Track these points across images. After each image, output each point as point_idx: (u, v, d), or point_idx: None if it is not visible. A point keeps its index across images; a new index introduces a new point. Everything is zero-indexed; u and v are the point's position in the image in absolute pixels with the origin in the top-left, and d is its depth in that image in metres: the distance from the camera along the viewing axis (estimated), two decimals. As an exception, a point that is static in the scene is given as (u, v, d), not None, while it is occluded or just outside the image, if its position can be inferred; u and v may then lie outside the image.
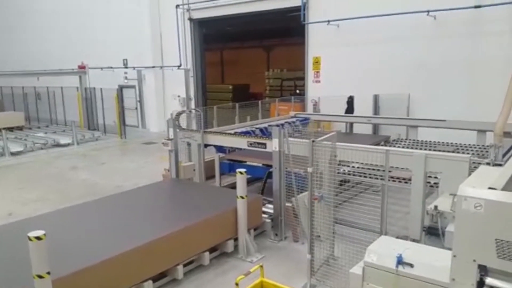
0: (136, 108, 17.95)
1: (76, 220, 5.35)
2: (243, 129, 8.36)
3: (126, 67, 17.58)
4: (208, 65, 18.92)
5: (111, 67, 17.66)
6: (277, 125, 8.18)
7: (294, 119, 9.78)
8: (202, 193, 6.44)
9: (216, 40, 22.27)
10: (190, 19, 15.63)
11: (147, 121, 17.80)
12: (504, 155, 4.89)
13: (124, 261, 4.20)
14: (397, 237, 4.81)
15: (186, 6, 15.44)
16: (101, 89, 16.52)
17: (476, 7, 9.10)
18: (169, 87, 16.88)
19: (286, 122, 9.35)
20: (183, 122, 7.69)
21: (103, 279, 3.99)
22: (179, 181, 7.11)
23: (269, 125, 8.56)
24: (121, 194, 6.70)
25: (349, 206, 5.54)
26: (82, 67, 16.95)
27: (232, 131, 7.80)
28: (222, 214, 5.43)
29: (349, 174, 6.12)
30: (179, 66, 15.82)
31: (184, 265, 4.93)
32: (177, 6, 15.35)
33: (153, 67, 16.78)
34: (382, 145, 7.66)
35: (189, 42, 15.85)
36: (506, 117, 5.31)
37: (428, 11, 9.66)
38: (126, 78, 17.71)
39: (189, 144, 7.45)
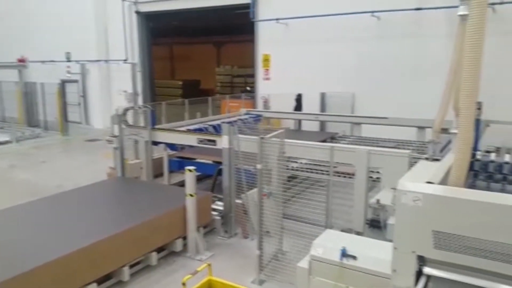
0: (79, 104, 17.17)
1: (15, 222, 5.02)
2: (196, 126, 8.23)
3: (69, 61, 16.76)
4: (157, 60, 18.48)
5: (53, 61, 16.77)
6: (230, 122, 8.15)
7: (246, 116, 9.78)
8: (150, 192, 6.28)
9: (165, 34, 21.78)
10: (137, 12, 15.18)
11: (91, 117, 17.10)
12: (441, 151, 5.17)
13: (67, 263, 4.00)
14: (342, 230, 4.96)
15: (133, -1, 15.02)
16: (42, 83, 15.63)
17: (417, 9, 9.55)
18: (115, 82, 16.29)
19: (239, 119, 9.33)
20: (129, 118, 7.46)
21: (45, 283, 3.78)
22: (125, 180, 6.89)
23: (222, 122, 8.51)
24: (63, 193, 6.37)
25: (297, 201, 5.63)
26: (21, 60, 15.93)
27: (184, 128, 7.66)
28: (171, 212, 5.32)
29: (297, 170, 6.22)
30: (125, 60, 15.32)
31: (131, 266, 4.78)
32: (123, -2, 14.89)
33: (98, 61, 16.13)
34: (328, 142, 7.86)
35: (136, 36, 15.39)
36: (444, 115, 5.61)
37: (373, 12, 10.01)
38: (68, 72, 16.88)
39: (137, 142, 7.24)
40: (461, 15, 5.56)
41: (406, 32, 9.97)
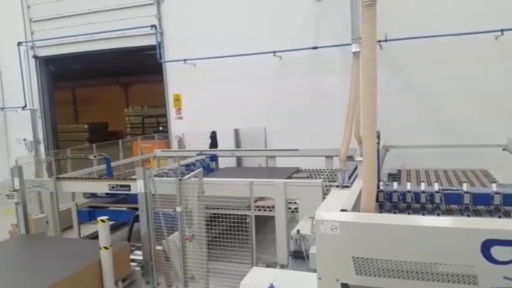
0: (-28, 157, 15.42)
1: None
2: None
3: (-43, 110, 15.10)
4: (59, 104, 17.43)
5: None
6: (188, 165, 8.32)
7: (202, 157, 9.47)
8: (58, 249, 5.74)
9: (67, 77, 20.80)
10: (35, 57, 14.31)
11: (-14, 170, 15.40)
12: (350, 177, 5.54)
13: None
14: (267, 266, 4.99)
15: (30, 44, 14.13)
16: None
17: (314, 48, 10.32)
18: (13, 130, 15.00)
19: (196, 160, 9.03)
20: (30, 169, 6.89)
21: None
22: (30, 237, 6.25)
23: (182, 165, 8.20)
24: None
25: (221, 240, 5.55)
26: None
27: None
28: (84, 270, 4.88)
29: (218, 208, 6.17)
30: (24, 107, 14.22)
31: (41, 336, 4.27)
32: (19, 43, 13.95)
33: (-8, 109, 14.79)
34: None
35: (35, 81, 14.45)
36: (348, 144, 6.05)
37: (274, 52, 10.55)
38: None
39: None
40: (354, 52, 6.15)
41: (306, 69, 10.60)
